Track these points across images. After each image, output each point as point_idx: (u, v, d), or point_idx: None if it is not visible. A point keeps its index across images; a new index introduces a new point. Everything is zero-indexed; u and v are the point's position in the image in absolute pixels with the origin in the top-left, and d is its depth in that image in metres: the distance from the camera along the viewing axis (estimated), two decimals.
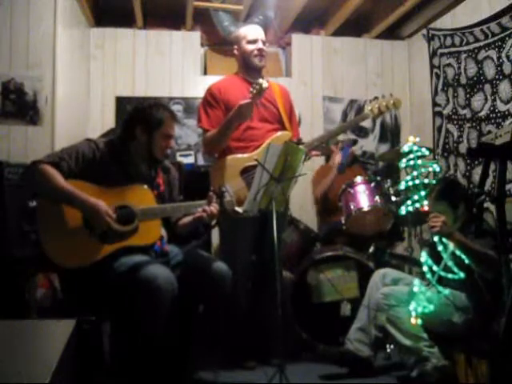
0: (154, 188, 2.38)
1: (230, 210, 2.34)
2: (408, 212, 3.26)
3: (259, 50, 2.91)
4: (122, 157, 2.33)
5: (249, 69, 2.97)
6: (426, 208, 2.96)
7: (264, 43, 2.94)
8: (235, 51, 3.01)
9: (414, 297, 2.41)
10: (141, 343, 2.10)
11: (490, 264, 2.30)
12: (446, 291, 2.46)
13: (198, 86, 4.27)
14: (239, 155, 2.84)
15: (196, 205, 2.32)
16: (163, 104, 2.46)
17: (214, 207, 2.29)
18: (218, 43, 4.63)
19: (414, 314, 2.39)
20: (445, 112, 4.08)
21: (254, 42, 2.92)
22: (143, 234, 2.23)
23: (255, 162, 2.48)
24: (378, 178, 3.46)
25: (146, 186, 2.31)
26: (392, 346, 2.86)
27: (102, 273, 2.14)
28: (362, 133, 4.64)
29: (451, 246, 2.43)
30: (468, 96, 3.73)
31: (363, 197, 3.32)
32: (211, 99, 2.91)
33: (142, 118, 2.32)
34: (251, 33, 2.95)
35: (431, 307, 2.38)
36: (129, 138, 2.34)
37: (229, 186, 2.39)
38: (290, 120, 3.05)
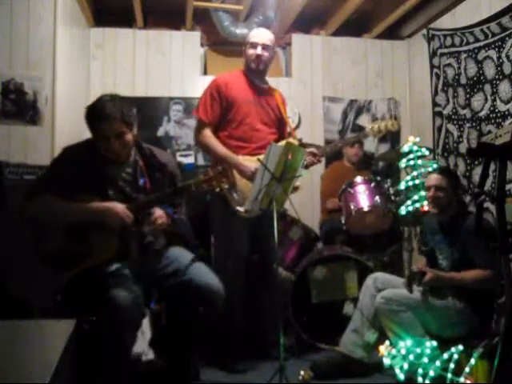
0: (135, 189, 2.30)
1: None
2: (408, 212, 3.27)
3: (257, 55, 2.93)
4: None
5: (249, 71, 3.00)
6: (426, 208, 2.97)
7: (267, 47, 2.94)
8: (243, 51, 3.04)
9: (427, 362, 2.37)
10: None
11: (484, 283, 2.42)
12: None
13: (198, 86, 4.27)
14: (248, 157, 2.86)
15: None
16: (104, 99, 2.21)
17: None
18: (218, 43, 4.63)
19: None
20: (445, 112, 4.07)
21: (254, 46, 2.94)
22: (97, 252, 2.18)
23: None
24: (378, 178, 3.46)
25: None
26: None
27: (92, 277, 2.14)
28: (362, 133, 4.63)
29: None
30: (468, 96, 3.73)
31: (363, 197, 3.32)
32: (215, 92, 2.93)
33: (85, 116, 2.21)
34: (253, 37, 2.97)
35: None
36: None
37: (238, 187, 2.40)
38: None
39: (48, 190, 2.17)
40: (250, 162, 2.79)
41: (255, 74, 3.00)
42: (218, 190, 2.19)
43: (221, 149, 2.86)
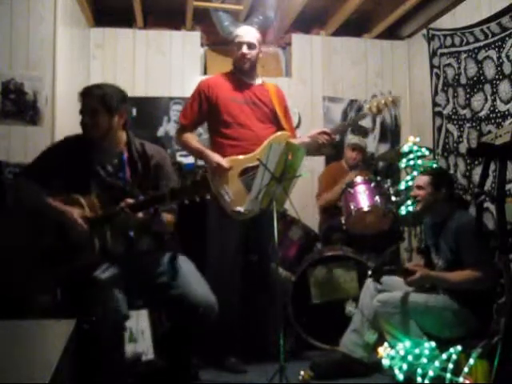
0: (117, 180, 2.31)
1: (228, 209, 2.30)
2: (408, 212, 3.27)
3: (242, 54, 2.93)
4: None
5: (237, 69, 3.01)
6: None
7: (252, 46, 2.93)
8: None
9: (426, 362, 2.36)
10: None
11: (475, 284, 2.39)
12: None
13: None
14: (239, 156, 2.84)
15: None
16: (99, 84, 2.40)
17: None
18: (218, 43, 4.63)
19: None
20: (445, 112, 4.07)
21: (240, 45, 2.94)
22: None
23: (255, 163, 2.48)
24: (378, 178, 3.46)
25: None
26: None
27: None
28: (362, 133, 4.63)
29: None
30: (468, 96, 3.73)
31: (363, 197, 3.32)
32: (196, 93, 2.97)
33: None
34: (239, 36, 2.97)
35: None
36: None
37: (227, 188, 2.38)
38: (286, 120, 3.06)
39: (31, 174, 2.25)
40: (226, 160, 2.77)
41: (243, 72, 2.99)
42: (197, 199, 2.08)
43: (193, 146, 2.93)
